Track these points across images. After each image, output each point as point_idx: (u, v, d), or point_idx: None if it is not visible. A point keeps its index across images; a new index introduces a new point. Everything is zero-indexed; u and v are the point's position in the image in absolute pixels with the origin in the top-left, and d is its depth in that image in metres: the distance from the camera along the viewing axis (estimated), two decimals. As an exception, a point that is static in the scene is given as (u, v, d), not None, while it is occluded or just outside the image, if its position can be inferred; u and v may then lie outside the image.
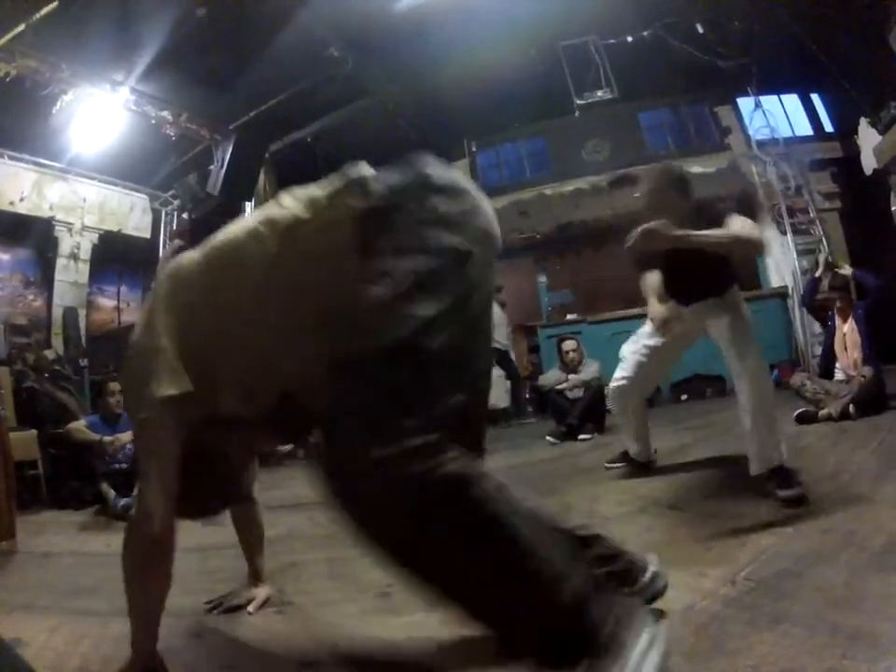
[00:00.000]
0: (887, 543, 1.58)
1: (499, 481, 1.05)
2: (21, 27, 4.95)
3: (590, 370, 5.12)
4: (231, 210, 8.00)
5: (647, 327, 2.80)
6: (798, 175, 8.08)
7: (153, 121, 6.80)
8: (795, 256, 7.81)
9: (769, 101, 8.47)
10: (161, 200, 8.22)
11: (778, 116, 8.49)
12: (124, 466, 3.56)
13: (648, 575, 1.27)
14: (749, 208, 8.21)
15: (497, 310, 7.09)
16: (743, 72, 7.69)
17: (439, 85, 7.46)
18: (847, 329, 4.37)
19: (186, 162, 7.87)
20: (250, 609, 1.74)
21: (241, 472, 1.64)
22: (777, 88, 8.50)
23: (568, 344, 5.23)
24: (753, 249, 2.29)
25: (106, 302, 8.08)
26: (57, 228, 7.13)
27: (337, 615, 1.65)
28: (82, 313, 7.27)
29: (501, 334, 7.07)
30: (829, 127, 8.61)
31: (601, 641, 0.97)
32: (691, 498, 2.43)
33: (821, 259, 4.85)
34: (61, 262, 7.18)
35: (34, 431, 3.96)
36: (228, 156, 7.11)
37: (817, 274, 4.85)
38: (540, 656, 1.00)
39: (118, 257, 7.90)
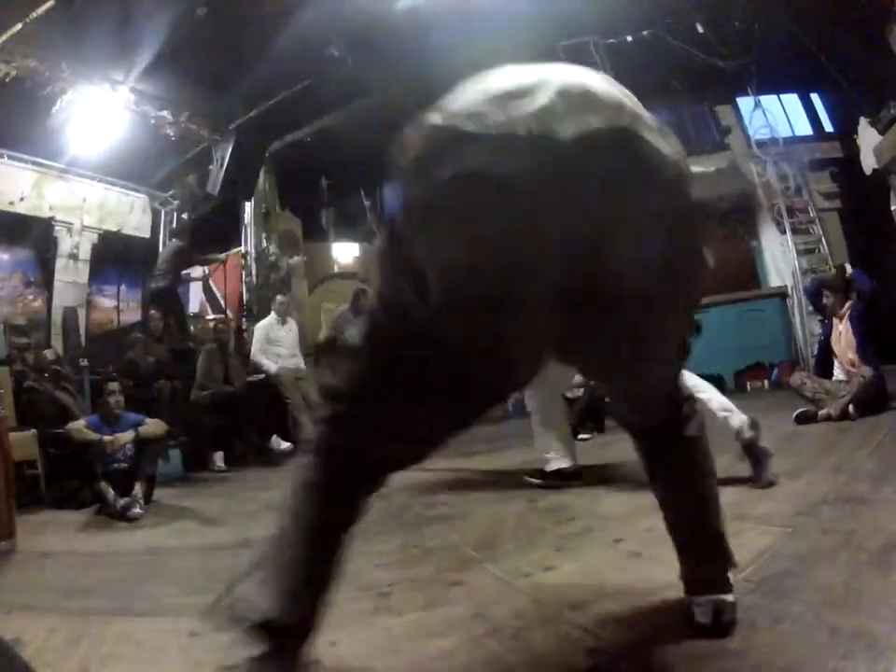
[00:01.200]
0: (886, 543, 1.58)
1: None
2: (18, 26, 4.94)
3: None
4: (230, 210, 8.01)
5: None
6: (798, 174, 8.08)
7: (153, 121, 6.80)
8: (795, 255, 7.82)
9: (769, 101, 8.48)
10: (160, 200, 8.22)
11: (778, 115, 8.50)
12: (123, 465, 3.55)
13: None
14: (748, 208, 8.24)
15: None
16: (743, 72, 7.69)
17: (438, 84, 7.45)
18: (843, 328, 4.38)
19: (185, 162, 7.87)
20: None
21: None
22: (777, 87, 8.50)
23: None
24: None
25: (106, 302, 8.08)
26: (56, 228, 7.13)
27: (337, 615, 1.64)
28: (82, 312, 7.27)
29: None
30: (829, 127, 8.62)
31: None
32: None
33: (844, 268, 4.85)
34: (60, 262, 7.18)
35: (33, 431, 3.95)
36: (227, 156, 7.10)
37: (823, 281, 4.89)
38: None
39: (117, 257, 7.90)
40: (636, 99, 1.01)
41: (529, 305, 0.95)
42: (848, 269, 4.65)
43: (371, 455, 1.09)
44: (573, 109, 0.92)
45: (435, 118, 0.98)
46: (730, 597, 1.24)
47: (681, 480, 1.32)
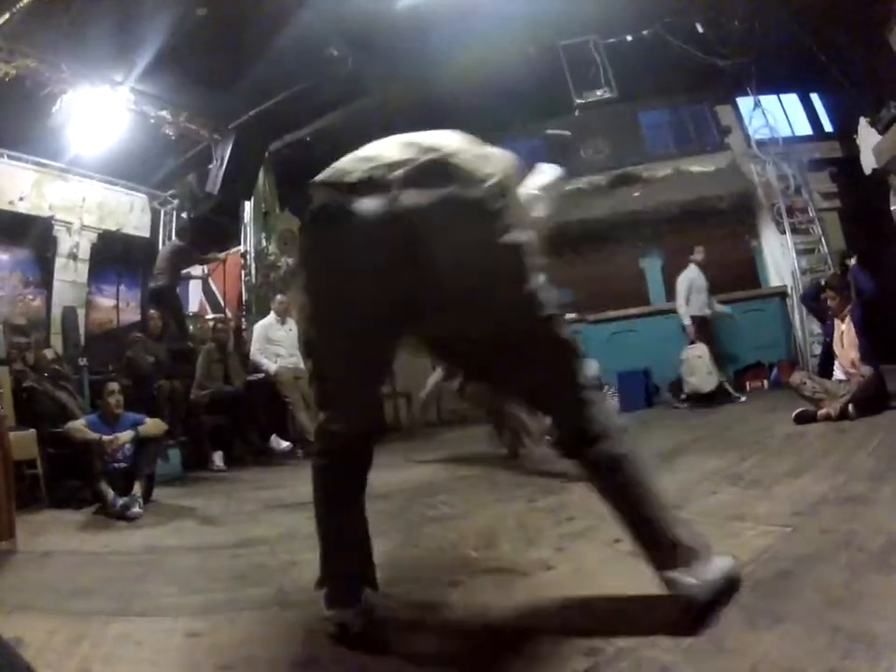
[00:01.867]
0: (886, 543, 1.58)
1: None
2: (6, 16, 4.91)
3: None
4: (230, 209, 8.01)
5: None
6: (797, 174, 8.08)
7: (153, 121, 6.79)
8: (794, 255, 7.82)
9: (769, 100, 8.47)
10: (160, 199, 8.21)
11: (778, 115, 8.50)
12: (123, 465, 3.55)
13: None
14: (747, 208, 8.25)
15: (697, 274, 6.69)
16: (743, 71, 7.70)
17: (438, 84, 7.46)
18: (845, 328, 4.37)
19: (185, 162, 7.86)
20: None
21: None
22: (777, 87, 8.50)
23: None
24: None
25: (106, 302, 8.07)
26: (56, 227, 7.12)
27: (336, 615, 1.65)
28: (81, 312, 7.26)
29: (701, 301, 6.58)
30: (828, 127, 8.61)
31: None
32: (690, 498, 2.43)
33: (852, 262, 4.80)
34: (60, 262, 7.17)
35: (33, 431, 3.95)
36: (227, 155, 7.10)
37: (823, 282, 4.87)
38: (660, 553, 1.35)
39: (117, 256, 7.89)
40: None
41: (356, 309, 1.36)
42: (850, 262, 4.61)
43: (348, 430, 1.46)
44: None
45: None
46: (694, 578, 1.32)
47: (601, 490, 1.45)
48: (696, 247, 6.85)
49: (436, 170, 1.33)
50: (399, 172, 1.32)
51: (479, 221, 1.32)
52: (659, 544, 1.36)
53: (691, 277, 6.60)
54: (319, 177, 1.39)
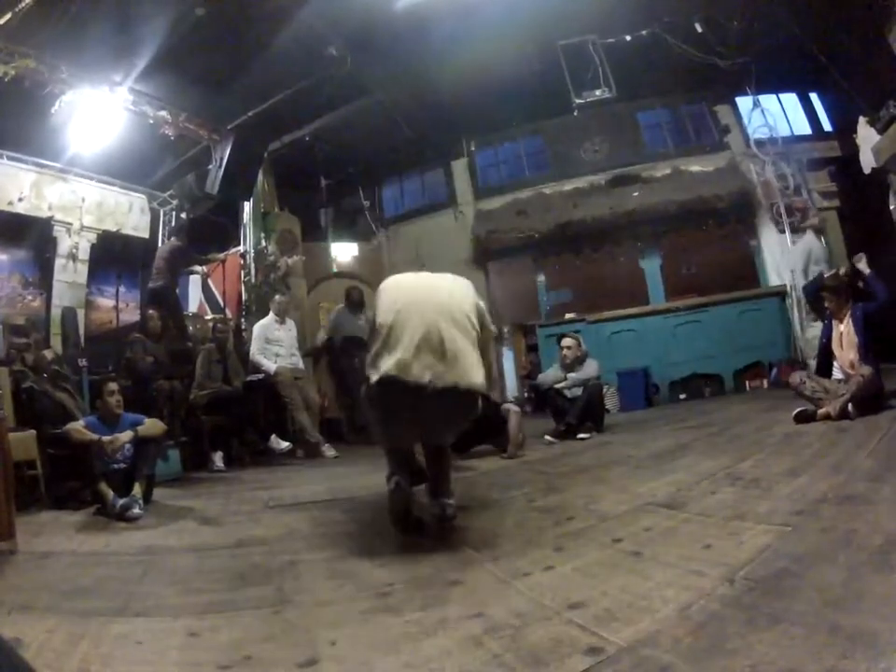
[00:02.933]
0: (885, 543, 1.58)
1: None
2: (8, 16, 4.91)
3: (589, 369, 5.10)
4: (229, 209, 8.01)
5: None
6: (797, 173, 8.09)
7: (151, 121, 6.78)
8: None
9: (768, 100, 8.49)
10: (159, 199, 8.20)
11: (777, 115, 8.51)
12: (123, 466, 3.55)
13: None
14: (747, 206, 8.25)
15: (816, 242, 6.34)
16: (742, 71, 7.70)
17: (438, 84, 7.46)
18: (844, 329, 4.35)
19: (184, 162, 7.85)
20: None
21: None
22: (776, 87, 8.51)
23: (564, 342, 5.18)
24: None
25: (105, 302, 8.07)
26: (56, 228, 7.11)
27: (336, 615, 1.65)
28: (81, 313, 7.25)
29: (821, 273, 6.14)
30: (827, 126, 8.62)
31: None
32: (689, 497, 2.44)
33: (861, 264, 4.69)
34: (59, 262, 7.17)
35: (32, 431, 3.94)
36: (226, 155, 7.09)
37: (826, 274, 4.84)
38: None
39: (116, 256, 7.88)
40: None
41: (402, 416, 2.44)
42: (864, 269, 4.52)
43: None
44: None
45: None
46: (451, 500, 2.47)
47: (432, 461, 2.62)
48: (811, 213, 6.47)
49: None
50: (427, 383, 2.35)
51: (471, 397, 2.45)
52: (445, 482, 2.57)
53: (809, 245, 6.14)
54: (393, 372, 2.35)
